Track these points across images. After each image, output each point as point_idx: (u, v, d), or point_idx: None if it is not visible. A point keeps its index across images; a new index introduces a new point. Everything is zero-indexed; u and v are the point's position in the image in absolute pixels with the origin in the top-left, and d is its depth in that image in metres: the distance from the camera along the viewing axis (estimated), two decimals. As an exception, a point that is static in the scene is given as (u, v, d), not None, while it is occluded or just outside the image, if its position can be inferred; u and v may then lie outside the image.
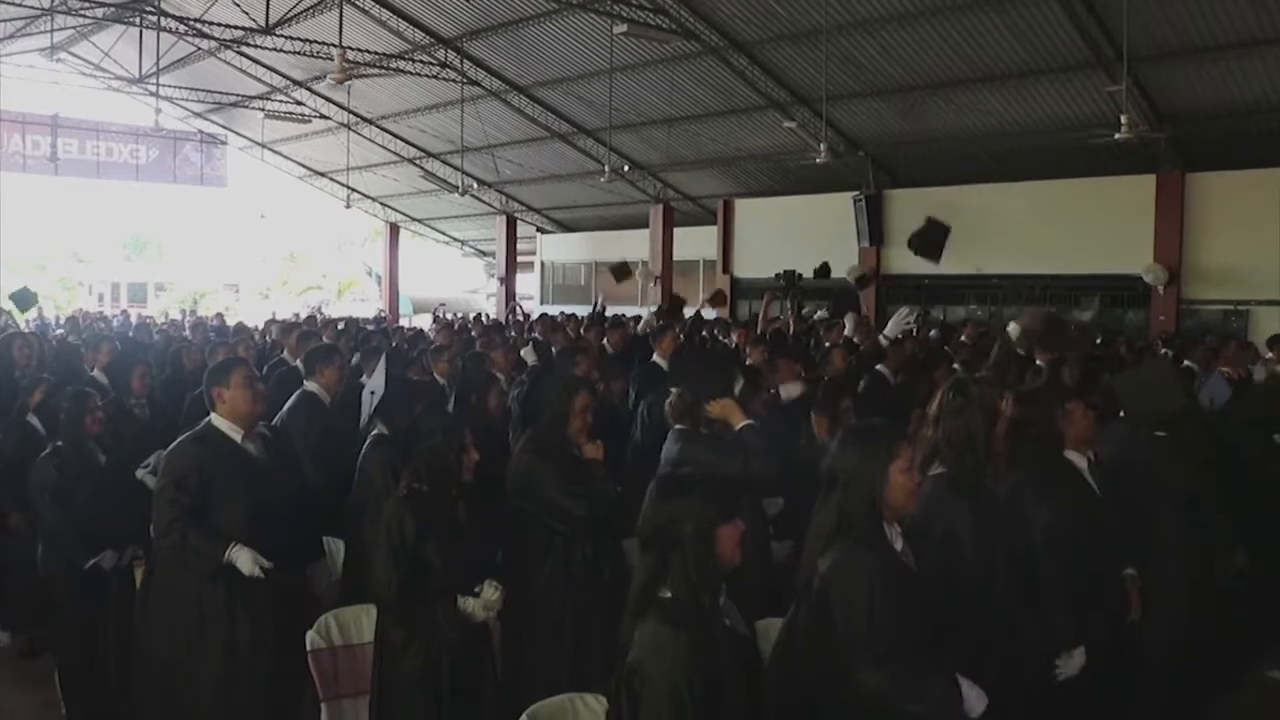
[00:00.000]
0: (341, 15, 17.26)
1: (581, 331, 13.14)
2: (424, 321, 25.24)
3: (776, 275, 18.02)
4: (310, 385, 6.35)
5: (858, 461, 3.08)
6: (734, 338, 11.68)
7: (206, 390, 4.54)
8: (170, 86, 25.66)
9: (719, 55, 18.32)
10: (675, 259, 26.01)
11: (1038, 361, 7.61)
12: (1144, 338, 14.89)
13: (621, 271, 18.75)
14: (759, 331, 12.86)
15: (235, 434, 4.46)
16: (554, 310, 23.78)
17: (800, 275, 17.89)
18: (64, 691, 5.49)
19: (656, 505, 2.88)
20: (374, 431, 5.35)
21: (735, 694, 2.73)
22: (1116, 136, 14.30)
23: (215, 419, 4.49)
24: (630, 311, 19.81)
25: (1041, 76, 16.26)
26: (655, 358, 8.41)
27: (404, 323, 25.90)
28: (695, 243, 25.50)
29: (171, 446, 4.51)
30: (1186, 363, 9.13)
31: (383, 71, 21.84)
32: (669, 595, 2.76)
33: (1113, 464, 4.73)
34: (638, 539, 2.91)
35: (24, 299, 14.54)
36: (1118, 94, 14.74)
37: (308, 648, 4.18)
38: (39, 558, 5.54)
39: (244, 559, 4.22)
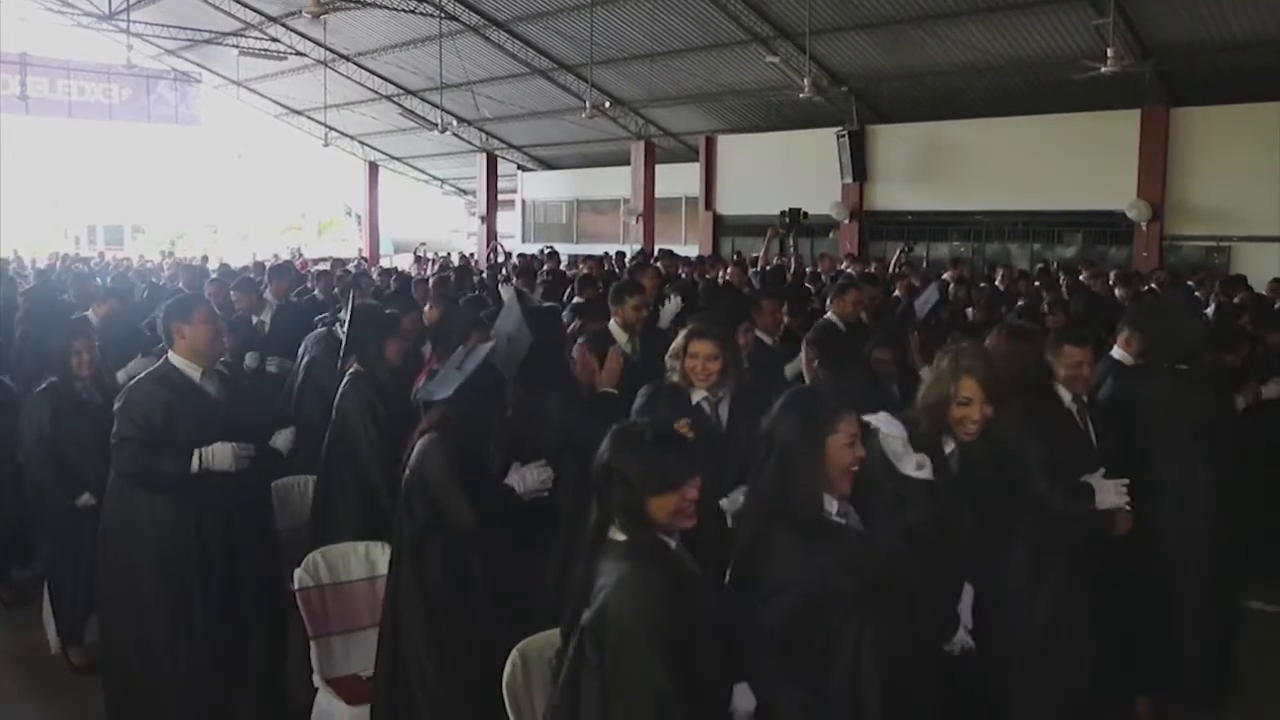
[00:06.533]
0: (316, -53, 16.89)
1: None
2: (405, 261, 25.05)
3: (781, 213, 18.03)
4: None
5: (793, 431, 2.93)
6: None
7: (165, 326, 4.40)
8: (142, 23, 25.08)
9: (701, -12, 18.04)
10: (657, 196, 25.83)
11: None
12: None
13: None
14: (759, 268, 12.75)
15: (194, 372, 4.35)
16: (534, 249, 23.62)
17: (805, 214, 17.83)
18: (57, 621, 5.50)
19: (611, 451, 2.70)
20: (351, 369, 5.00)
21: (709, 634, 2.64)
22: (1102, 70, 14.20)
23: (173, 357, 4.36)
24: (612, 248, 19.69)
25: (1027, 9, 16.06)
26: None
27: (384, 263, 25.69)
28: (678, 180, 25.31)
29: (130, 385, 4.41)
30: None
31: (359, 5, 21.42)
32: (623, 538, 2.64)
33: (1119, 399, 4.71)
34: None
35: None
36: (1104, 27, 14.62)
37: (295, 586, 4.16)
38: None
39: (223, 454, 4.22)
